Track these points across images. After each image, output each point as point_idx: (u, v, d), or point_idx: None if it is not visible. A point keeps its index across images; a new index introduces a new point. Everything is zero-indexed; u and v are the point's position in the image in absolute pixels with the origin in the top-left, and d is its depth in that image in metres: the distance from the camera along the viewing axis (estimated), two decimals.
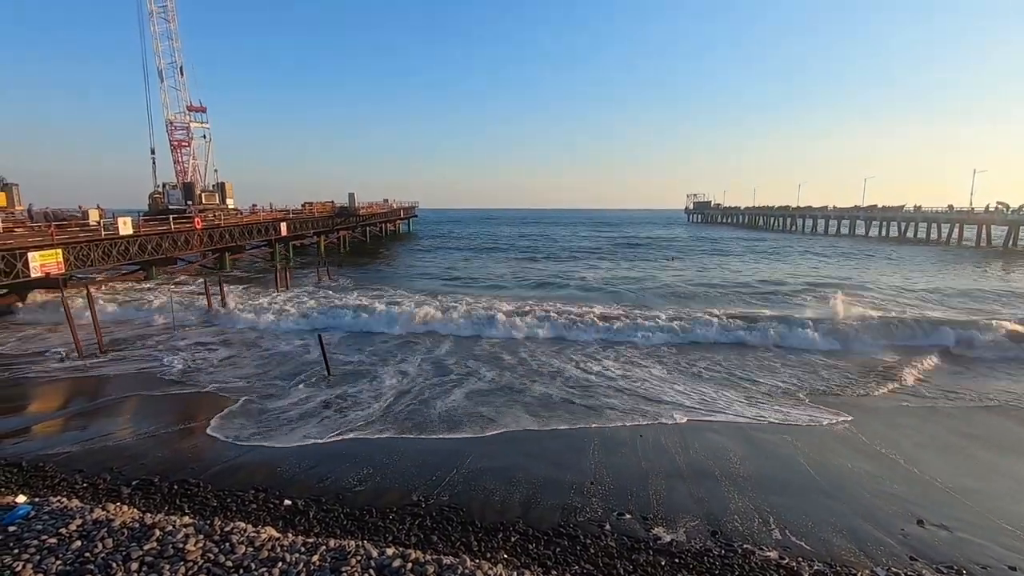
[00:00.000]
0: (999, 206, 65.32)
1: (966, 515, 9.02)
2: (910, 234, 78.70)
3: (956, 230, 70.02)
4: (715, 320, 21.70)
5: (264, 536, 6.68)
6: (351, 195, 66.27)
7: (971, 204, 74.22)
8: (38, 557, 5.95)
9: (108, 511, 7.27)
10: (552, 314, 23.27)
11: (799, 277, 39.07)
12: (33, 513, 7.08)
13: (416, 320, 22.66)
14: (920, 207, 79.04)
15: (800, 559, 7.73)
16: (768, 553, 7.85)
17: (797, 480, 10.26)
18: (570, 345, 20.10)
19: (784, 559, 7.71)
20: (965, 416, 13.71)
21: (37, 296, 26.56)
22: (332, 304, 25.85)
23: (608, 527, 8.48)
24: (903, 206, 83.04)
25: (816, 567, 7.55)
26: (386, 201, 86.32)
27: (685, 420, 13.12)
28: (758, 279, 38.52)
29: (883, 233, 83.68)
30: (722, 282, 37.27)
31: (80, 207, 38.41)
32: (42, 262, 23.91)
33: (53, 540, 6.32)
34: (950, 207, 73.47)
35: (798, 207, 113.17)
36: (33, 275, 23.57)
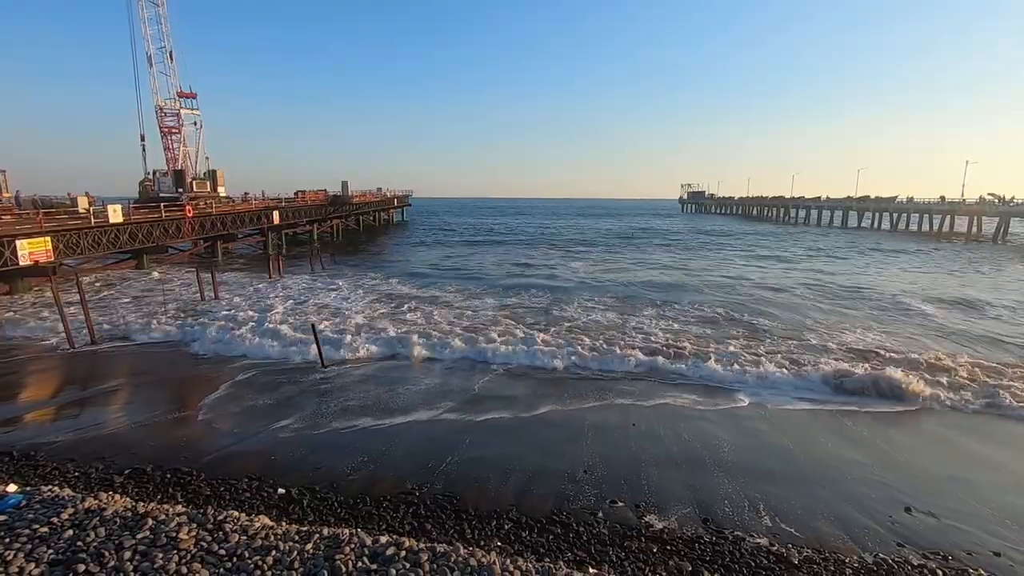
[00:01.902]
0: (990, 197, 65.86)
1: (952, 503, 9.16)
2: (902, 225, 79.12)
3: (948, 221, 70.50)
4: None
5: (258, 525, 6.67)
6: (344, 183, 65.89)
7: (963, 195, 74.81)
8: (29, 546, 5.92)
9: (100, 500, 7.23)
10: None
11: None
12: (24, 502, 7.03)
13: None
14: (912, 198, 79.51)
15: (790, 545, 7.84)
16: (759, 540, 7.95)
17: (787, 468, 10.37)
18: None
19: (774, 545, 7.81)
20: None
21: (28, 285, 26.28)
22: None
23: (600, 515, 8.56)
24: (895, 197, 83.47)
25: (806, 553, 7.66)
26: (379, 190, 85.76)
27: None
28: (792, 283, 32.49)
29: (875, 224, 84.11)
30: (738, 282, 33.26)
31: (69, 194, 37.83)
32: (31, 250, 23.63)
33: (45, 529, 6.29)
34: (942, 198, 73.92)
35: (792, 197, 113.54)
36: (21, 263, 23.30)
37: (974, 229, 66.54)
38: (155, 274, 32.92)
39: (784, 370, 15.60)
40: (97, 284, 29.60)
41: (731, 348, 17.86)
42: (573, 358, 16.92)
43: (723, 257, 47.39)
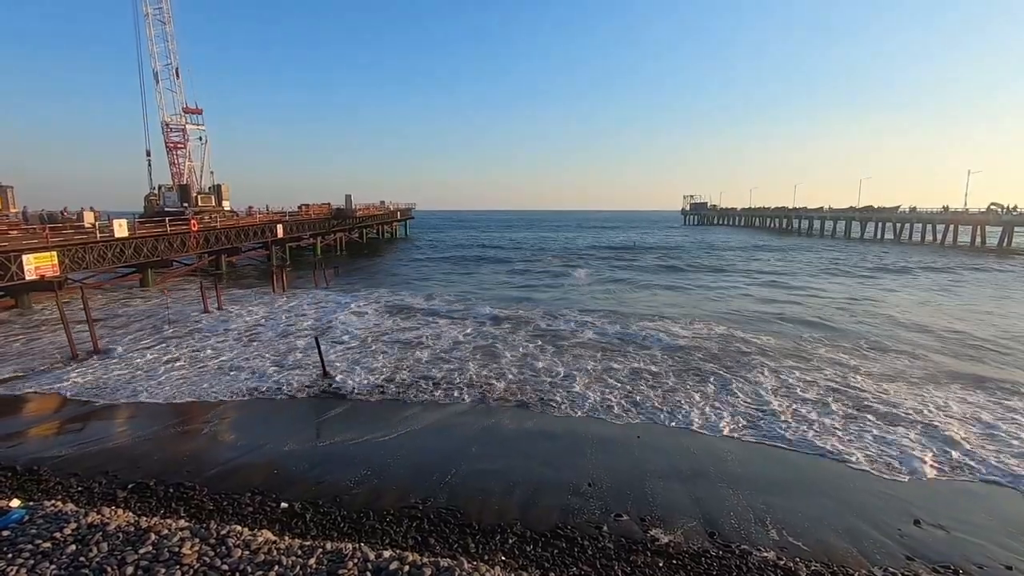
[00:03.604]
0: (993, 207, 65.76)
1: (962, 515, 9.05)
2: (904, 236, 78.95)
3: (951, 231, 70.30)
4: None
5: (261, 539, 6.64)
6: (348, 197, 66.28)
7: (966, 205, 74.68)
8: (32, 562, 5.91)
9: (103, 515, 7.21)
10: None
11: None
12: (27, 517, 7.02)
13: None
14: (915, 208, 79.39)
15: (797, 559, 7.74)
16: (766, 553, 7.86)
17: (793, 479, 10.27)
18: None
19: (782, 559, 7.71)
20: None
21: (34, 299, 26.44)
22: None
23: (605, 528, 8.48)
24: (898, 207, 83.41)
25: (814, 567, 7.56)
26: (383, 203, 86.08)
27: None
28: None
29: (878, 235, 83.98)
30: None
31: (68, 210, 37.98)
32: (37, 264, 23.81)
33: (48, 544, 6.27)
34: (945, 208, 73.78)
35: (794, 208, 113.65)
36: (28, 277, 23.47)
37: (978, 240, 66.30)
38: (160, 288, 33.06)
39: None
40: (102, 298, 29.75)
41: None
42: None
43: (724, 280, 41.05)
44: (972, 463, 10.85)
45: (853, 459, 11.02)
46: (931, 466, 10.74)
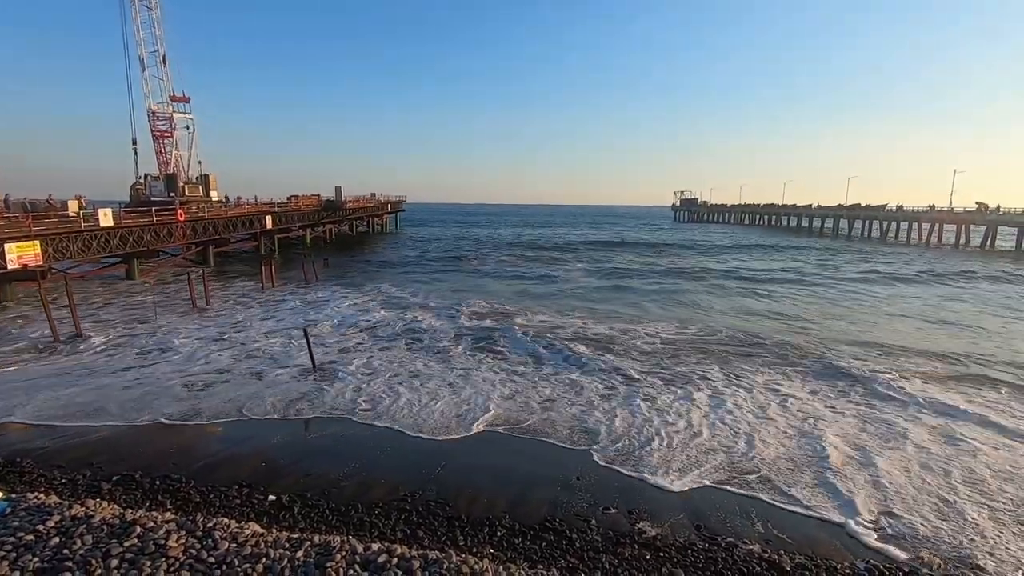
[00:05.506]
0: (978, 206, 66.64)
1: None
2: (891, 234, 79.73)
3: (936, 230, 71.13)
4: None
5: (248, 532, 6.61)
6: (338, 188, 65.65)
7: (951, 204, 75.60)
8: (14, 554, 5.83)
9: (87, 507, 7.13)
10: None
11: None
12: (9, 510, 6.93)
13: None
14: (902, 206, 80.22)
15: (782, 551, 7.84)
16: (751, 546, 7.96)
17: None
18: None
19: (766, 552, 7.82)
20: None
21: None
22: None
23: (594, 522, 8.53)
24: (885, 205, 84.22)
25: (798, 559, 7.67)
26: (373, 195, 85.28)
27: None
28: None
29: (865, 233, 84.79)
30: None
31: (53, 198, 37.08)
32: (19, 254, 23.38)
33: (30, 537, 6.19)
34: (931, 207, 74.58)
35: (783, 205, 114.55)
36: (10, 267, 23.04)
37: (962, 239, 67.19)
38: (146, 280, 32.60)
39: None
40: (86, 288, 29.30)
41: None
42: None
43: (713, 281, 38.14)
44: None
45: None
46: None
